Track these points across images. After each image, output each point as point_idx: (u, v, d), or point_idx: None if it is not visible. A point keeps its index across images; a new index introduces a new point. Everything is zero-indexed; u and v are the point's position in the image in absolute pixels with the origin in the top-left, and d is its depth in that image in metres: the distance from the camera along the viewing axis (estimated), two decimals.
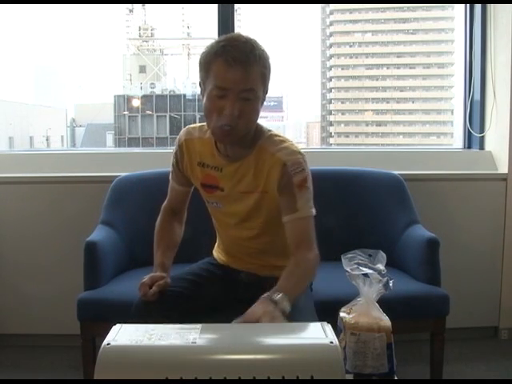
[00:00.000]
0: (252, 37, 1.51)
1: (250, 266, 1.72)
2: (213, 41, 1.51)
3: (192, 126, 1.73)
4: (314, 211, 1.59)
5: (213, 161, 1.64)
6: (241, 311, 1.33)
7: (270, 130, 1.63)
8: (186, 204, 1.81)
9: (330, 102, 13.92)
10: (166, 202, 1.82)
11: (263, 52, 1.49)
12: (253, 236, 1.68)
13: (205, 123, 1.59)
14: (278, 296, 1.36)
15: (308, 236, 1.56)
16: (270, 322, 1.26)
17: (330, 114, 13.90)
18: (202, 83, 1.53)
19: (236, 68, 1.43)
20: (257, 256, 1.71)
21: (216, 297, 1.71)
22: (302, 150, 1.60)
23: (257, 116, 1.54)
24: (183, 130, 1.73)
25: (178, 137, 1.73)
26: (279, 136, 1.62)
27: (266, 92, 1.55)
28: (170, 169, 1.77)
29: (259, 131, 1.60)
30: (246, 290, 1.65)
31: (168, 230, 1.76)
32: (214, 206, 1.72)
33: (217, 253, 1.85)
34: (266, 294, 1.37)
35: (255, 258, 1.71)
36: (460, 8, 2.92)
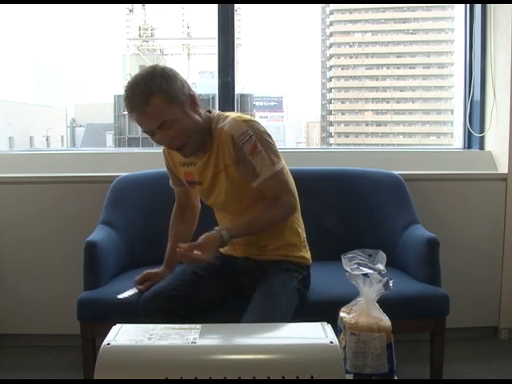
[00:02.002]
0: (148, 67, 1.62)
1: (247, 250, 1.77)
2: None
3: None
4: (276, 167, 1.66)
5: (187, 158, 1.74)
6: (242, 299, 1.38)
7: (219, 113, 1.73)
8: (193, 199, 1.92)
9: (330, 102, 13.91)
10: (175, 203, 1.95)
11: (153, 80, 1.56)
12: (245, 212, 1.75)
13: None
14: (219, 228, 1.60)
15: (275, 193, 1.67)
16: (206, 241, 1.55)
17: (330, 113, 13.88)
18: None
19: (139, 115, 1.57)
20: (249, 237, 1.76)
21: (218, 288, 1.77)
22: (248, 117, 1.69)
23: (191, 126, 1.62)
24: None
25: None
26: (225, 113, 1.73)
27: (187, 98, 1.61)
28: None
29: (209, 120, 1.69)
30: (245, 275, 1.72)
31: (176, 227, 1.89)
32: (205, 200, 1.85)
33: None
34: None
35: (249, 240, 1.77)
36: (460, 8, 2.92)
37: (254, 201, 1.71)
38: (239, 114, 1.71)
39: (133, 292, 1.70)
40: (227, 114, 1.72)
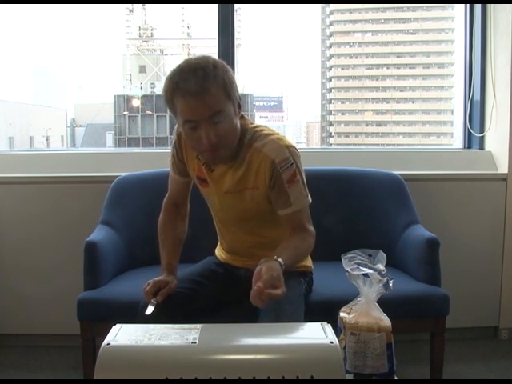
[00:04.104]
0: (202, 56, 1.53)
1: (248, 262, 1.73)
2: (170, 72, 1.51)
3: None
4: (308, 200, 1.63)
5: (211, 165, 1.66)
6: (241, 308, 1.34)
7: (253, 126, 1.64)
8: (188, 196, 1.81)
9: (330, 102, 13.93)
10: (167, 197, 1.80)
11: (216, 69, 1.48)
12: (250, 231, 1.71)
13: None
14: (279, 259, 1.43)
15: (303, 224, 1.61)
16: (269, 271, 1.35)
17: (330, 114, 13.91)
18: (173, 115, 1.56)
19: (195, 100, 1.45)
20: (254, 250, 1.71)
21: (218, 295, 1.72)
22: (288, 141, 1.61)
23: (236, 129, 1.55)
24: None
25: (176, 126, 1.70)
26: (263, 129, 1.63)
27: (237, 100, 1.55)
28: (169, 164, 1.77)
29: (243, 131, 1.60)
30: (246, 286, 1.67)
31: (172, 227, 1.75)
32: (208, 201, 1.76)
33: (218, 251, 1.87)
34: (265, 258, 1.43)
35: (253, 253, 1.71)
36: (460, 8, 2.92)
37: (263, 221, 1.67)
38: (279, 136, 1.61)
39: (153, 306, 1.61)
40: (264, 131, 1.62)
